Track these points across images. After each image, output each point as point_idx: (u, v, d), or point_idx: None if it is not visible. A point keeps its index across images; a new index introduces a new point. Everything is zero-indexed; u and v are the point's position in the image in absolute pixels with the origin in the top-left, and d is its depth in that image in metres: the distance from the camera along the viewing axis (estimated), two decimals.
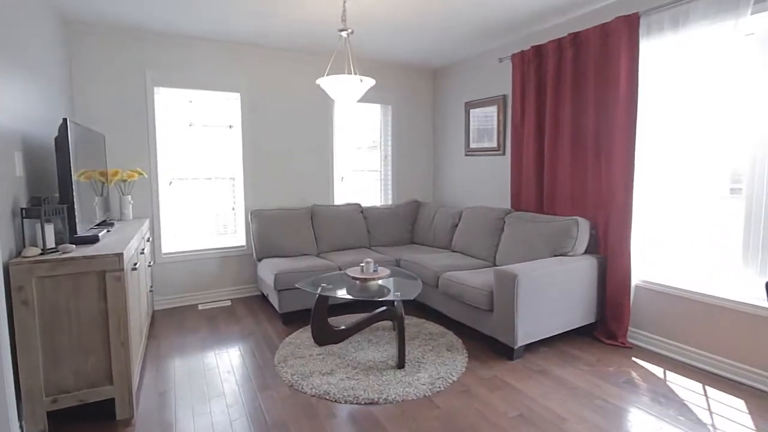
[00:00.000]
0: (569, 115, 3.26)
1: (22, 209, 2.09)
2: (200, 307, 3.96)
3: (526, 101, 3.65)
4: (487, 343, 3.09)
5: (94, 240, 2.36)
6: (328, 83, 2.82)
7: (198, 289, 4.07)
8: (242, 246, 4.23)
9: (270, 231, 3.94)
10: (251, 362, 2.83)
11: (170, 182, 3.93)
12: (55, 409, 2.08)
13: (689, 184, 2.73)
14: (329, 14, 3.26)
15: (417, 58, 4.54)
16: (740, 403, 2.30)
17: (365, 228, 4.43)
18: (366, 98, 4.69)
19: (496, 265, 3.60)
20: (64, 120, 2.22)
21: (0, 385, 1.73)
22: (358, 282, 2.92)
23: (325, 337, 3.01)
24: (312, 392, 2.41)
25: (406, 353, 2.86)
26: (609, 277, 3.06)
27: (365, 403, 2.31)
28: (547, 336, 2.91)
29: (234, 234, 4.25)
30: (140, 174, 3.57)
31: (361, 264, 2.99)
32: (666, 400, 2.34)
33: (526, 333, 2.75)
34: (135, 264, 2.52)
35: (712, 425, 2.11)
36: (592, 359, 2.82)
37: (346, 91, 2.80)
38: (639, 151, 2.91)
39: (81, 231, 2.37)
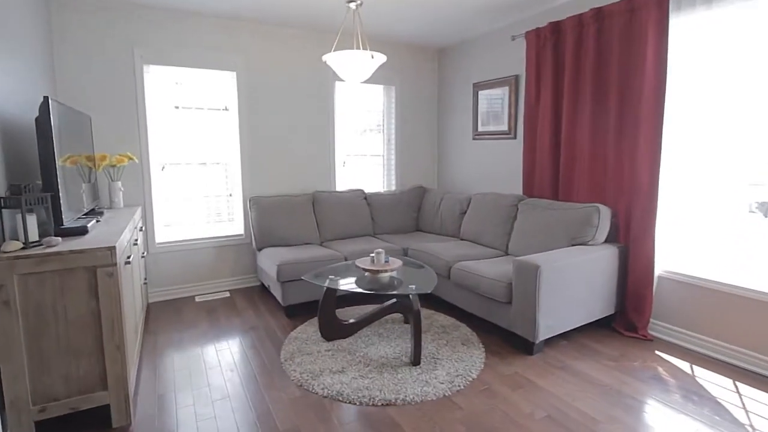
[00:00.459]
0: (590, 96, 3.07)
1: (0, 198, 1.87)
2: (198, 299, 3.77)
3: (542, 82, 3.45)
4: (503, 336, 2.95)
5: (82, 231, 2.14)
6: (335, 60, 2.60)
7: (195, 281, 3.87)
8: (240, 234, 4.02)
9: (270, 219, 3.74)
10: (256, 359, 2.66)
11: (162, 167, 3.68)
12: (44, 419, 1.89)
13: (719, 169, 2.58)
14: None
15: (422, 37, 4.30)
16: None
17: (369, 215, 4.24)
18: (369, 78, 4.45)
19: (508, 254, 3.45)
20: (45, 98, 1.98)
21: None
22: (368, 274, 2.75)
23: (333, 331, 2.85)
24: (324, 393, 2.25)
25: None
26: (631, 267, 2.92)
27: (382, 405, 2.16)
28: (568, 329, 2.78)
29: (231, 222, 4.04)
30: (130, 158, 3.33)
31: (371, 254, 2.81)
32: (699, 398, 2.22)
33: (547, 327, 2.61)
34: (129, 257, 2.31)
35: (751, 426, 2.00)
36: (614, 353, 2.70)
37: (355, 68, 2.58)
38: (666, 135, 2.74)
39: (67, 221, 2.15)
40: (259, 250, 3.73)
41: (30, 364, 1.83)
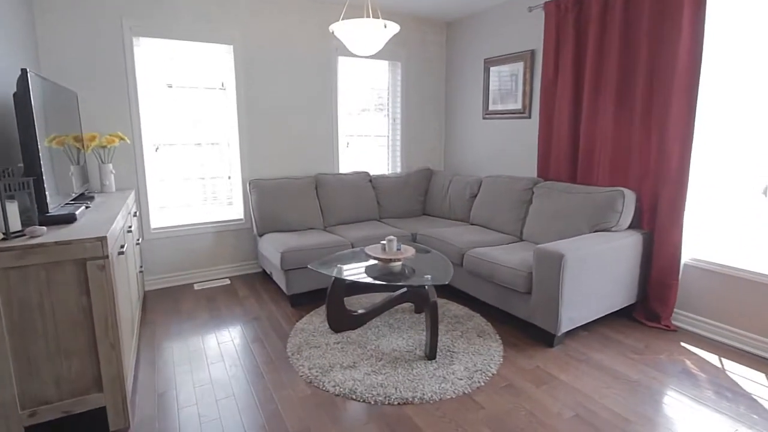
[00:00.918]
0: (615, 72, 2.86)
1: None
2: (197, 286, 3.60)
3: (561, 56, 3.23)
4: (519, 327, 2.82)
5: (69, 219, 1.95)
6: (343, 30, 2.37)
7: (193, 267, 3.70)
8: (240, 219, 3.83)
9: (271, 203, 3.55)
10: (261, 353, 2.51)
11: (156, 148, 3.46)
12: (35, 423, 1.74)
13: (753, 153, 2.41)
14: None
15: (430, 8, 4.03)
16: None
17: (375, 199, 4.06)
18: (374, 54, 4.20)
19: (523, 240, 3.29)
20: (23, 71, 1.76)
21: None
22: (379, 262, 2.58)
23: (342, 323, 2.70)
24: (335, 390, 2.11)
25: None
26: (655, 255, 2.77)
27: (398, 404, 2.02)
28: (590, 320, 2.64)
29: (230, 206, 3.85)
30: (121, 139, 3.11)
31: (382, 241, 2.64)
32: (732, 394, 2.10)
33: (570, 319, 2.47)
34: (122, 246, 2.13)
35: None
36: (639, 345, 2.57)
37: (366, 39, 2.35)
38: (699, 114, 2.55)
39: (54, 208, 1.95)
40: (261, 235, 3.55)
41: (16, 365, 1.67)
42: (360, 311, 2.72)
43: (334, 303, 2.66)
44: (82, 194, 2.71)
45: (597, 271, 2.54)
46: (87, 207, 2.28)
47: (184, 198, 3.62)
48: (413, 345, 2.53)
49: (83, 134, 2.94)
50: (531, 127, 3.68)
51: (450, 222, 3.88)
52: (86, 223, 1.95)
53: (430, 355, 2.36)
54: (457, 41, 4.42)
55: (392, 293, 2.78)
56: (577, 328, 2.76)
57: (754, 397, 2.07)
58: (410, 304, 3.11)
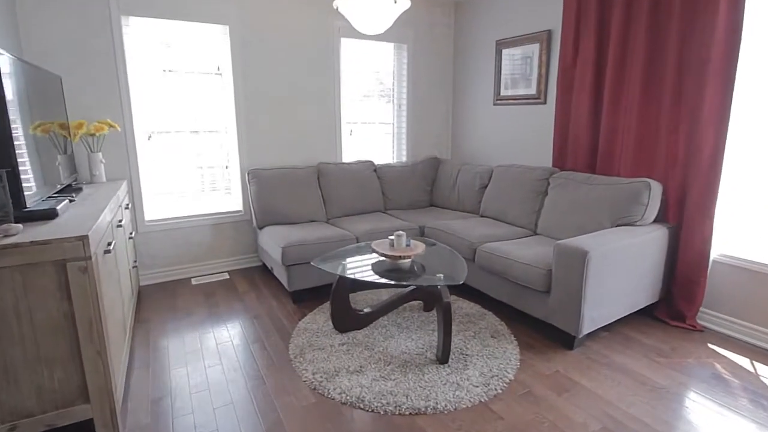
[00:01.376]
0: (642, 53, 2.65)
1: None
2: (194, 281, 3.45)
3: (582, 36, 3.01)
4: (535, 326, 2.66)
5: (50, 215, 1.78)
6: (349, 5, 2.16)
7: (190, 261, 3.54)
8: (239, 211, 3.66)
9: (271, 194, 3.37)
10: (261, 355, 2.36)
11: (149, 136, 3.27)
12: None
13: None
14: None
15: None
16: None
17: (380, 189, 3.88)
18: (378, 35, 3.98)
19: (537, 234, 3.12)
20: None
21: None
22: (387, 260, 2.42)
23: (347, 322, 2.54)
24: (342, 398, 1.96)
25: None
26: (682, 251, 2.60)
27: (410, 414, 1.87)
28: (612, 321, 2.48)
29: (228, 197, 3.67)
30: (111, 126, 2.92)
31: (390, 237, 2.47)
32: None
33: (592, 319, 2.31)
34: (109, 243, 1.96)
35: None
36: (664, 347, 2.42)
37: (373, 16, 2.14)
38: (736, 98, 2.35)
39: (33, 203, 1.78)
40: (260, 228, 3.38)
41: None
42: (366, 310, 2.56)
43: (339, 302, 2.50)
44: (68, 186, 2.54)
45: (622, 269, 2.37)
46: (71, 200, 2.11)
47: (180, 189, 3.44)
48: (423, 347, 2.38)
49: (69, 121, 2.75)
50: (546, 114, 3.48)
51: (459, 214, 3.70)
52: (69, 219, 1.78)
53: (443, 359, 2.20)
54: (467, 21, 4.19)
55: (400, 290, 2.62)
56: (597, 328, 2.59)
57: None
58: (419, 301, 2.95)
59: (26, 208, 1.72)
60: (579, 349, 2.40)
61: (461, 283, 2.15)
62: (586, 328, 2.30)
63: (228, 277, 3.54)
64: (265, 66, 3.53)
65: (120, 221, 2.42)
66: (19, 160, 1.67)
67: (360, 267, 2.40)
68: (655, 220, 2.69)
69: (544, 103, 3.47)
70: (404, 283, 2.20)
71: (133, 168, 3.20)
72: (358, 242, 3.12)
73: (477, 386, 2.03)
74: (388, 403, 1.91)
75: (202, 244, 3.56)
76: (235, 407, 1.94)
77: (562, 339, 2.45)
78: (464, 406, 1.91)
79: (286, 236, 2.96)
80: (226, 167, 3.61)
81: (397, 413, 1.87)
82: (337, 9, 2.20)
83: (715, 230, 2.51)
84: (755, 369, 2.21)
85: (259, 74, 3.53)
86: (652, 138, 2.70)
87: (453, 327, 2.60)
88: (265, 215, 3.35)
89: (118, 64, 3.02)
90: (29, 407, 1.60)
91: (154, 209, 3.37)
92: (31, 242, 1.49)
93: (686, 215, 2.55)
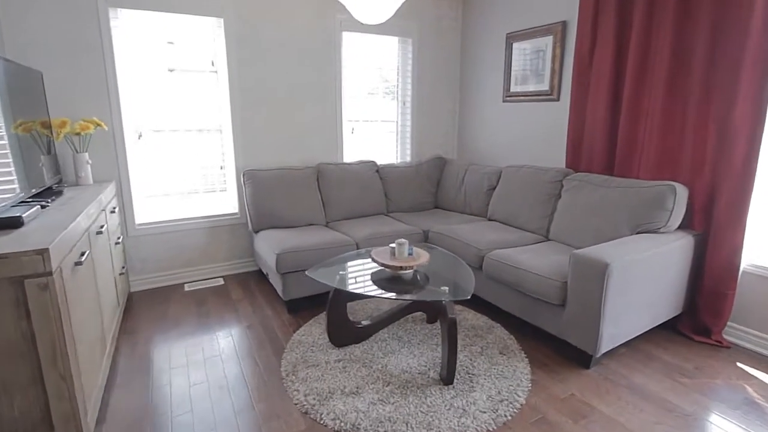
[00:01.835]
0: (667, 46, 2.43)
1: None
2: (187, 287, 3.29)
3: (600, 27, 2.79)
4: (548, 342, 2.46)
5: (14, 224, 1.62)
6: None
7: (184, 266, 3.38)
8: (235, 213, 3.49)
9: (268, 196, 3.20)
10: (251, 372, 2.19)
11: (139, 135, 3.11)
12: None
13: None
14: None
15: None
16: None
17: (382, 191, 3.69)
18: (382, 29, 3.78)
19: (550, 240, 2.92)
20: None
21: None
22: (388, 270, 2.23)
23: (344, 336, 2.37)
24: (335, 425, 1.78)
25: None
26: (709, 260, 2.39)
27: None
28: (631, 338, 2.28)
29: (224, 198, 3.50)
30: (98, 125, 2.76)
31: (392, 245, 2.29)
32: None
33: (611, 336, 2.11)
34: (83, 254, 1.79)
35: None
36: (688, 366, 2.21)
37: (374, 4, 1.95)
38: None
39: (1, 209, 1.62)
40: (256, 232, 3.21)
41: None
42: (364, 323, 2.39)
43: (336, 314, 2.32)
44: (48, 188, 2.38)
45: (644, 281, 2.17)
46: (43, 206, 1.94)
47: (172, 190, 3.28)
48: (426, 364, 2.19)
49: (51, 120, 2.60)
50: (560, 111, 3.26)
51: (465, 217, 3.51)
52: (35, 229, 1.62)
53: (447, 379, 2.02)
54: (475, 13, 3.97)
55: (402, 301, 2.43)
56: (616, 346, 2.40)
57: None
58: (421, 312, 2.76)
59: None
60: (596, 367, 2.20)
61: (468, 297, 1.96)
62: (605, 346, 2.10)
63: (223, 282, 3.38)
64: (261, 61, 3.36)
65: (101, 227, 2.26)
66: None
67: (358, 277, 2.22)
68: (679, 227, 2.48)
69: (558, 99, 3.25)
70: (404, 296, 2.02)
71: (122, 169, 3.04)
72: (358, 248, 2.94)
73: (484, 412, 1.84)
74: None
75: (196, 248, 3.40)
76: None
77: (578, 357, 2.25)
78: None
79: (282, 242, 2.79)
80: (221, 168, 3.44)
81: None
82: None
83: (745, 238, 2.29)
84: None
85: (256, 70, 3.35)
86: (677, 137, 2.48)
87: (459, 341, 2.41)
88: (261, 218, 3.18)
89: (106, 59, 2.86)
90: None
91: (146, 212, 3.22)
92: None
93: (715, 222, 2.34)
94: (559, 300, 2.20)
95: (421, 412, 1.85)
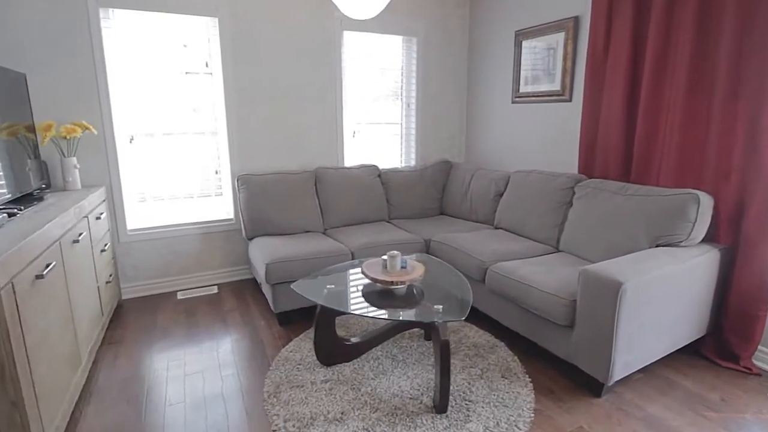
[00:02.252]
0: (690, 39, 2.21)
1: None
2: (180, 295, 3.19)
3: (616, 22, 2.58)
4: (555, 365, 2.26)
5: None
6: None
7: (177, 273, 3.27)
8: (230, 219, 3.38)
9: (263, 201, 3.07)
10: (233, 391, 2.05)
11: (131, 139, 3.02)
12: None
13: None
14: None
15: None
16: None
17: (384, 197, 3.52)
18: (385, 27, 3.63)
19: (560, 251, 2.71)
20: None
21: None
22: (379, 285, 2.07)
23: (333, 355, 2.21)
24: None
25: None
26: (737, 277, 2.15)
27: None
28: (648, 363, 2.06)
29: (219, 204, 3.39)
30: (86, 128, 2.67)
31: (383, 257, 2.12)
32: None
33: (625, 363, 1.90)
34: (48, 266, 1.68)
35: None
36: (713, 397, 1.98)
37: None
38: None
39: None
40: (250, 239, 3.09)
41: None
42: (354, 340, 2.22)
43: (323, 331, 2.16)
44: (29, 194, 2.30)
45: (663, 301, 1.95)
46: (11, 214, 1.84)
47: (165, 195, 3.18)
48: (420, 388, 2.02)
49: (35, 123, 2.52)
50: (572, 112, 3.05)
51: (471, 225, 3.31)
52: None
53: (440, 407, 1.84)
54: (483, 11, 3.78)
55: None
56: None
57: None
58: (419, 328, 2.58)
59: None
60: (607, 396, 1.99)
61: (462, 319, 1.78)
62: (618, 373, 1.89)
63: (217, 291, 3.26)
64: (257, 62, 3.23)
65: (80, 235, 2.15)
66: None
67: (347, 292, 2.06)
68: (703, 240, 2.24)
69: (570, 100, 3.04)
70: (397, 316, 1.85)
71: (113, 173, 2.95)
72: (353, 257, 2.78)
73: None
74: None
75: (190, 255, 3.29)
76: None
77: (588, 383, 2.04)
78: None
79: (274, 251, 2.65)
80: (216, 172, 3.33)
81: None
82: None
83: None
84: None
85: (252, 70, 3.23)
86: (700, 141, 2.26)
87: (457, 362, 2.23)
88: (255, 225, 3.05)
89: (96, 61, 2.78)
90: None
91: (138, 217, 3.12)
92: None
93: (743, 235, 2.10)
94: (566, 321, 1.99)
95: None
